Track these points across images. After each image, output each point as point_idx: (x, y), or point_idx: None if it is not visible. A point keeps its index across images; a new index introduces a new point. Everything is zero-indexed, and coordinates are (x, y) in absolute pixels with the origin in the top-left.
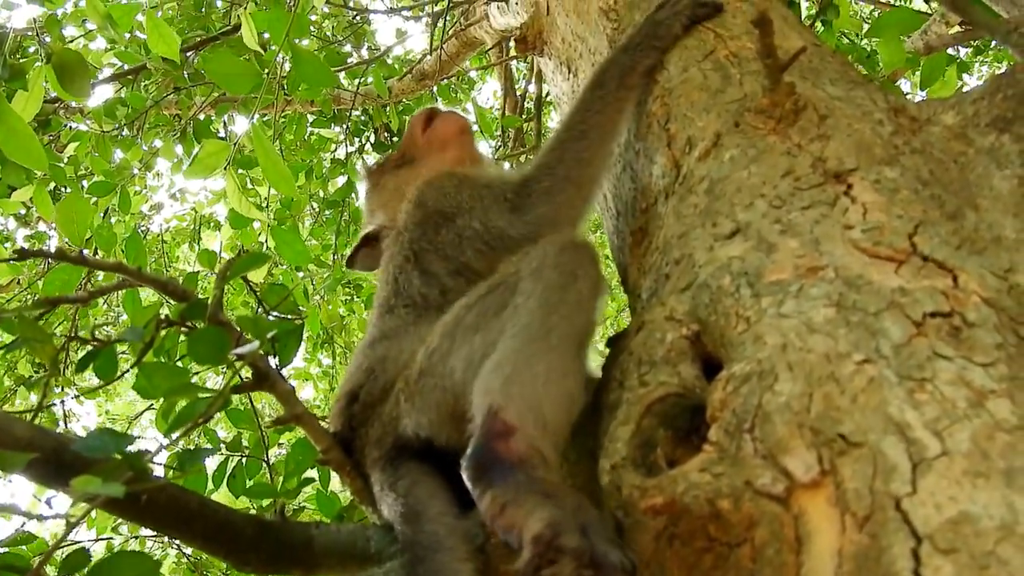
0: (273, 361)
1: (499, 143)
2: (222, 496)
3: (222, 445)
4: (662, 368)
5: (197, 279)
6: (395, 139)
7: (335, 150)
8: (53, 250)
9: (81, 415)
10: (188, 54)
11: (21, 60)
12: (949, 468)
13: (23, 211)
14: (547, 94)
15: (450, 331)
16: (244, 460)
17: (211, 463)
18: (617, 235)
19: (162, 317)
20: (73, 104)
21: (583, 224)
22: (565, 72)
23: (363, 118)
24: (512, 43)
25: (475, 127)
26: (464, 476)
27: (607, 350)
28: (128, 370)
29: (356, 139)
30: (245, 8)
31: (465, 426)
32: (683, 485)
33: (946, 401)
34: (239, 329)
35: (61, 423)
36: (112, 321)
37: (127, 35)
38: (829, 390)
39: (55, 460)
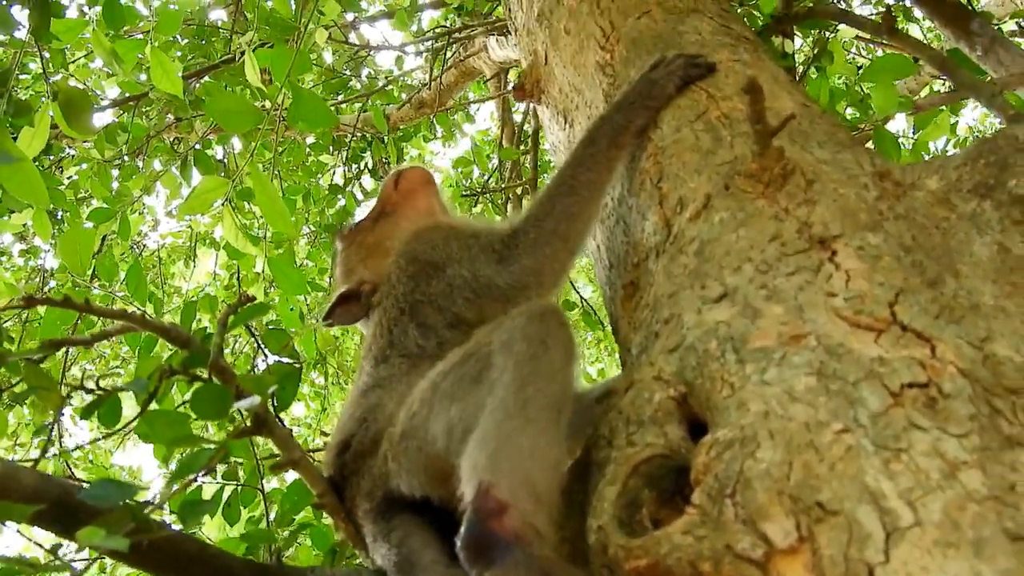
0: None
1: (495, 174)
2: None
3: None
4: (649, 428)
5: (194, 310)
6: (392, 164)
7: (332, 175)
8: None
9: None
10: (191, 80)
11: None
12: (921, 538)
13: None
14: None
15: (428, 398)
16: (239, 489)
17: (206, 491)
18: (609, 286)
19: (165, 367)
20: None
21: (566, 276)
22: (561, 122)
23: (362, 144)
24: (511, 90)
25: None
26: (460, 557)
27: (597, 406)
28: (133, 420)
29: (355, 164)
30: (249, 44)
31: (454, 485)
32: (667, 547)
33: (920, 472)
34: (237, 378)
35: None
36: (114, 355)
37: (132, 70)
38: (808, 458)
39: (61, 508)
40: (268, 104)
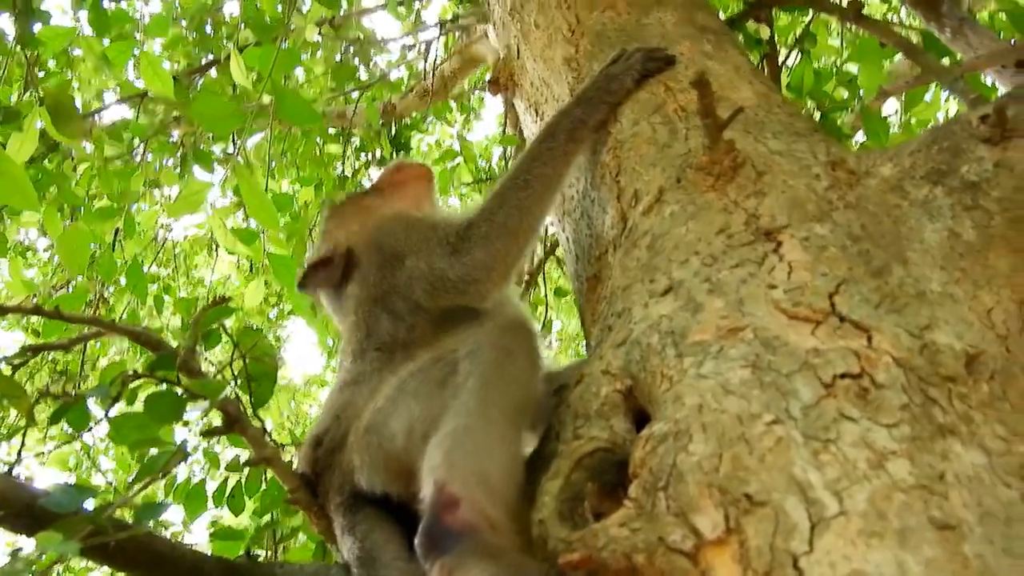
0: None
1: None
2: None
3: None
4: (595, 422)
5: (196, 303)
6: (400, 153)
7: (341, 166)
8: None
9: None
10: (195, 76)
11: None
12: (846, 528)
13: None
14: None
15: (393, 396)
16: (243, 480)
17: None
18: (576, 279)
19: (130, 372)
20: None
21: (517, 269)
22: (533, 115)
23: (370, 134)
24: (487, 83)
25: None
26: (417, 551)
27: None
28: (98, 422)
29: (363, 154)
30: (235, 43)
31: (413, 484)
32: (603, 539)
33: (848, 462)
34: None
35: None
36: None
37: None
38: (738, 451)
39: (27, 512)
40: (264, 100)
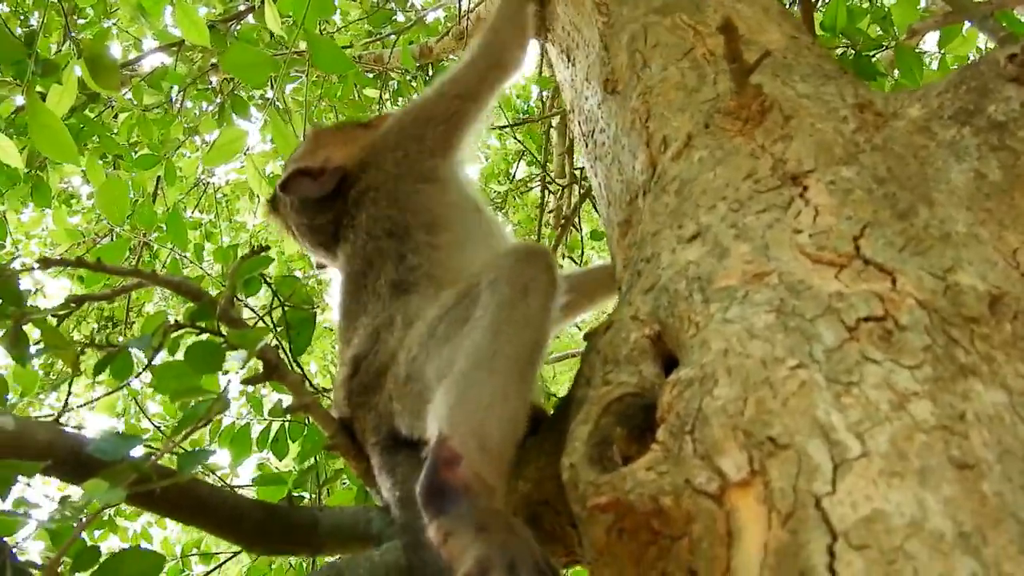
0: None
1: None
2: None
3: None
4: (624, 367)
5: (236, 251)
6: None
7: (379, 109)
8: (75, 257)
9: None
10: (231, 23)
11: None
12: (867, 468)
13: None
14: None
15: (425, 341)
16: (287, 424)
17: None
18: (608, 225)
19: (171, 322)
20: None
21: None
22: (565, 60)
23: (407, 78)
24: None
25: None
26: (418, 500)
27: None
28: (141, 371)
29: (400, 98)
30: None
31: None
32: (631, 483)
33: (870, 404)
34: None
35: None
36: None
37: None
38: (763, 394)
39: (73, 460)
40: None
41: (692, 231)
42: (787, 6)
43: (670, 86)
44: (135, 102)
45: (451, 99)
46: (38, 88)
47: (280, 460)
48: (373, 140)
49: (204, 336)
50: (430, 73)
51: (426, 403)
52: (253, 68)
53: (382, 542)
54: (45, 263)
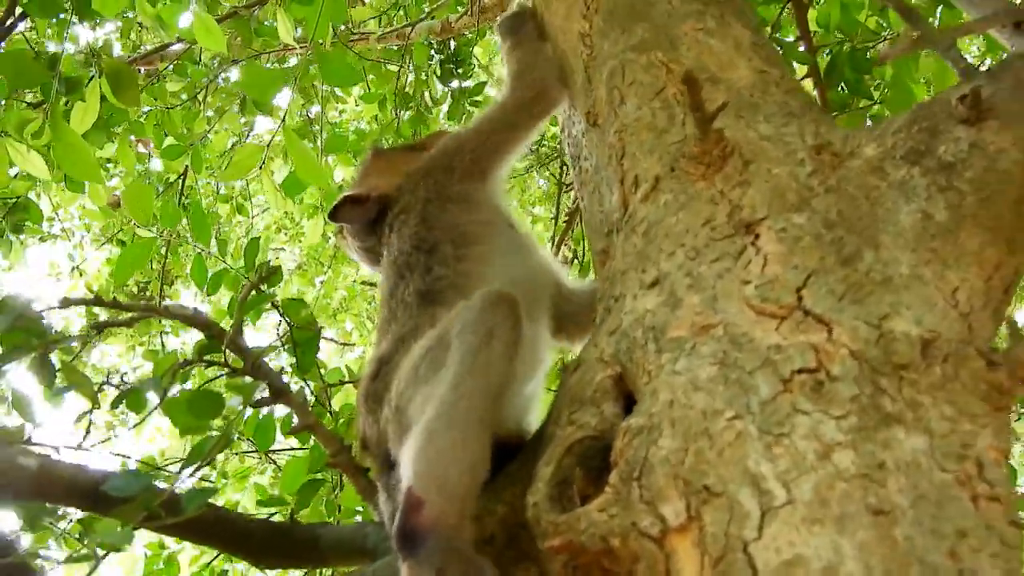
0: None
1: None
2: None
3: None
4: (588, 408)
5: (257, 246)
6: (459, 70)
7: (405, 83)
8: (94, 295)
9: None
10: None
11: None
12: (791, 515)
13: None
14: None
15: (411, 379)
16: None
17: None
18: (592, 250)
19: (179, 362)
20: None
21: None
22: None
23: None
24: None
25: None
26: (393, 542)
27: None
28: (154, 409)
29: (423, 73)
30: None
31: None
32: (585, 523)
33: (798, 454)
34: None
35: None
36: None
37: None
38: (701, 445)
39: (93, 494)
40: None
41: (652, 277)
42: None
43: (643, 126)
44: (159, 99)
45: (482, 132)
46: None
47: (302, 445)
48: (413, 167)
49: (213, 368)
50: (452, 47)
51: (407, 435)
52: (265, 87)
53: (378, 556)
54: (66, 303)
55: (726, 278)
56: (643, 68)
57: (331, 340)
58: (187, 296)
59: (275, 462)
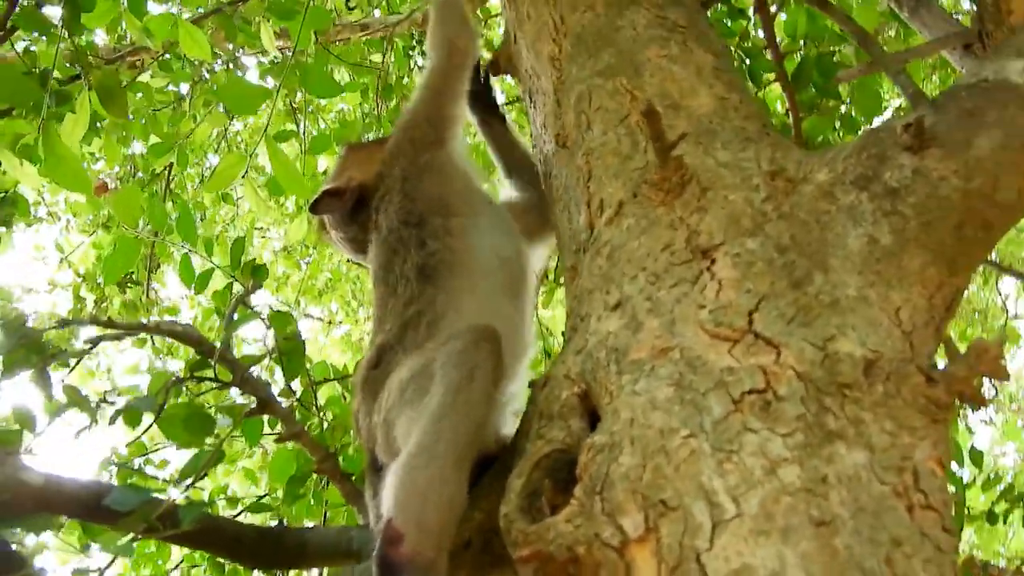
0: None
1: None
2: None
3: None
4: (556, 422)
5: (243, 243)
6: None
7: (386, 74)
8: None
9: None
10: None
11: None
12: (740, 527)
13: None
14: None
15: (398, 399)
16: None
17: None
18: (560, 264)
19: (171, 380)
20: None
21: None
22: (528, 99)
23: (411, 42)
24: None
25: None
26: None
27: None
28: (150, 426)
29: (406, 62)
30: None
31: None
32: (553, 533)
33: (746, 470)
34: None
35: None
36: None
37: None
38: (659, 462)
39: (95, 507)
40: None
41: (616, 299)
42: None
43: (608, 151)
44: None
45: (424, 100)
46: None
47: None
48: (384, 153)
49: (203, 383)
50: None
51: (394, 453)
52: (246, 101)
53: (363, 557)
54: (63, 323)
55: (683, 303)
56: (609, 94)
57: (317, 319)
58: (172, 280)
59: (264, 446)
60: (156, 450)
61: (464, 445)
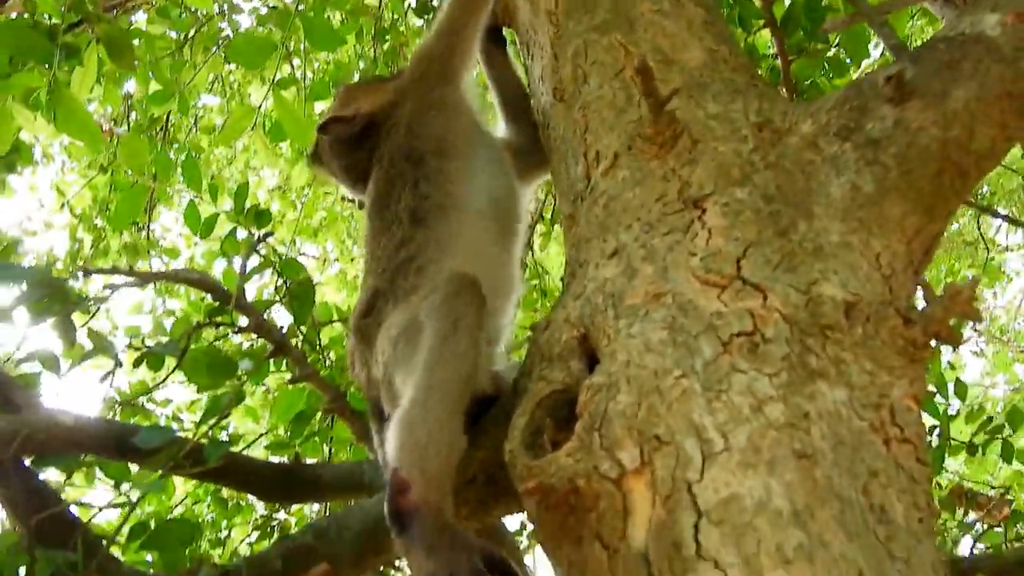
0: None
1: None
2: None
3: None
4: (557, 364)
5: (247, 189)
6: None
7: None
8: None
9: None
10: None
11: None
12: (728, 460)
13: None
14: None
15: (391, 357)
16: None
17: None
18: (560, 211)
19: (193, 325)
20: None
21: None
22: (526, 52)
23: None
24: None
25: None
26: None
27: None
28: (173, 370)
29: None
30: None
31: None
32: (554, 467)
33: (735, 407)
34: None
35: None
36: None
37: None
38: (653, 400)
39: (123, 446)
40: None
41: (612, 247)
42: None
43: (604, 104)
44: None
45: (440, 34)
46: None
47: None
48: (395, 86)
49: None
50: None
51: (396, 405)
52: (255, 55)
53: (374, 492)
54: (86, 271)
55: (676, 250)
56: (604, 49)
57: (312, 257)
58: (168, 218)
59: (264, 384)
60: (157, 388)
61: (457, 392)
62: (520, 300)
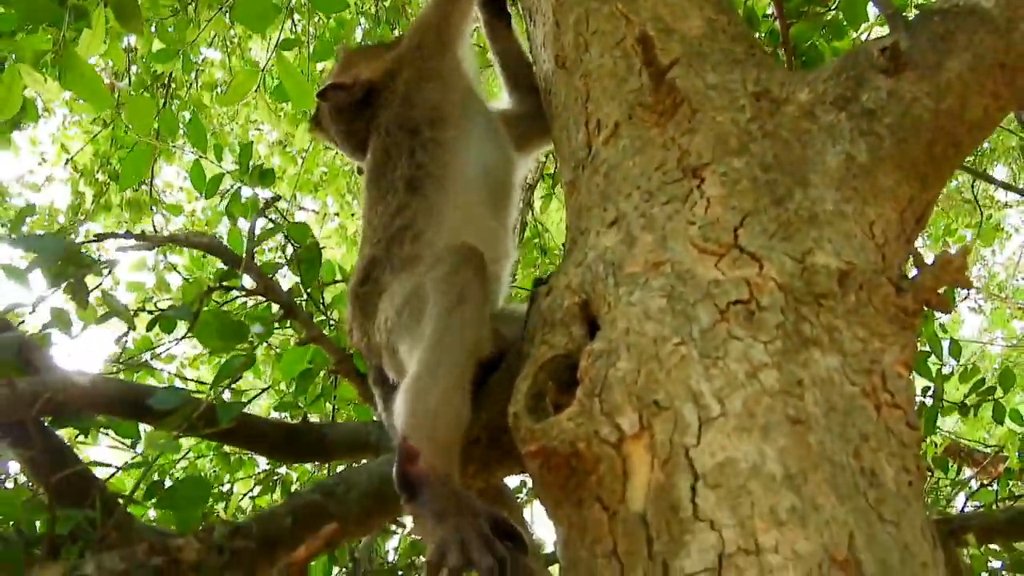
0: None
1: None
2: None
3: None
4: (558, 330)
5: (250, 151)
6: None
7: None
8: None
9: None
10: None
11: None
12: (724, 425)
13: None
14: None
15: (395, 326)
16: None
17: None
18: (562, 178)
19: (204, 290)
20: None
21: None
22: (528, 18)
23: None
24: None
25: None
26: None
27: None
28: (186, 333)
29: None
30: None
31: None
32: (556, 430)
33: (731, 374)
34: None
35: None
36: None
37: None
38: (652, 367)
39: (136, 407)
40: None
41: (612, 216)
42: None
43: (605, 72)
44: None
45: (435, 5)
46: None
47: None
48: (394, 55)
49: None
50: None
51: (401, 373)
52: (262, 17)
53: (380, 452)
54: (100, 237)
55: (675, 219)
56: (605, 18)
57: (312, 211)
58: (170, 172)
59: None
60: (160, 344)
61: (463, 362)
62: (520, 259)
